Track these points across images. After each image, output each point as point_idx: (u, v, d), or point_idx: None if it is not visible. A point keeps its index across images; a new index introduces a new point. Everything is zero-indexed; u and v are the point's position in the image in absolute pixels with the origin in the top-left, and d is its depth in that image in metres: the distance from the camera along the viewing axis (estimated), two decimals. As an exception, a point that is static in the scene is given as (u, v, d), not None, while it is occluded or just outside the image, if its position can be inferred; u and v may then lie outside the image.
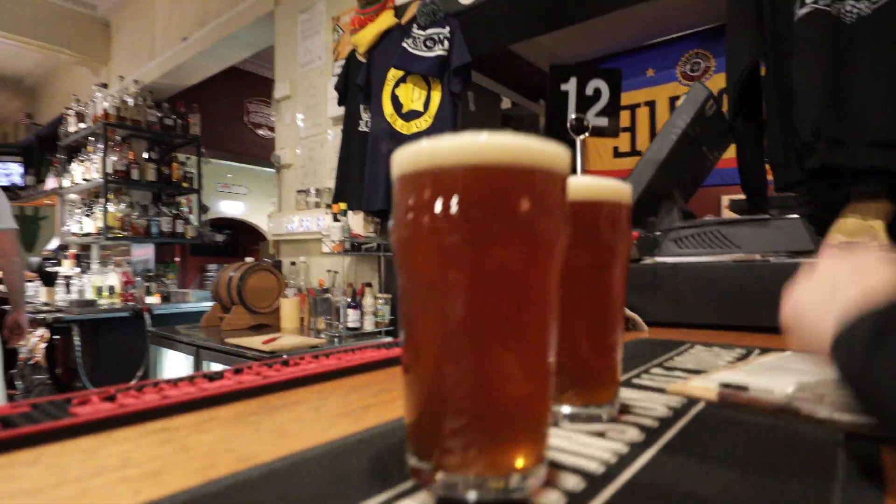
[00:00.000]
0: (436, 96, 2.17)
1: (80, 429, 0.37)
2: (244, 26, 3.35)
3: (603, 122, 0.87)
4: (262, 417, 0.42)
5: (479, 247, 0.26)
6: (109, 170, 4.00)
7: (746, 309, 0.95)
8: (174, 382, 0.50)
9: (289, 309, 2.41)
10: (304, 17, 2.86)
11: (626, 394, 0.49)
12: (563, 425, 0.39)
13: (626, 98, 4.05)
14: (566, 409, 0.40)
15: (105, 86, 4.34)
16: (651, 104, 3.90)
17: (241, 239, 7.70)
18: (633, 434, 0.37)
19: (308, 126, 2.83)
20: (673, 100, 3.76)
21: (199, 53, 3.83)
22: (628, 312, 1.03)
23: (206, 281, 6.44)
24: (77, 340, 3.04)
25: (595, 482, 0.29)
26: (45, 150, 5.45)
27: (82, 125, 4.33)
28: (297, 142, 2.88)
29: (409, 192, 0.28)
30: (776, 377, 0.47)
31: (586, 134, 0.83)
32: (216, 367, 1.98)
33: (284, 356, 0.66)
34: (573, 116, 0.82)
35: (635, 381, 0.54)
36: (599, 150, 4.25)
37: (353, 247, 2.19)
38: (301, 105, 2.88)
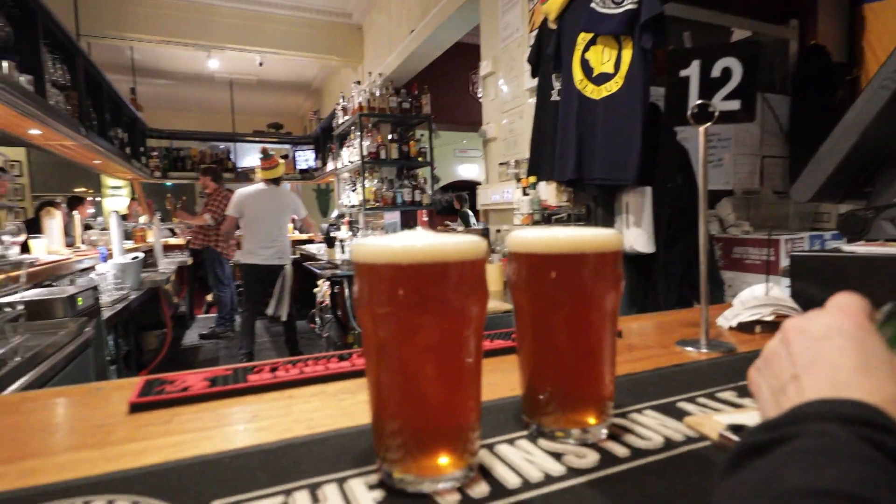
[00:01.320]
0: (626, 55, 2.02)
1: (247, 391, 0.61)
2: (456, 9, 3.62)
3: (734, 105, 0.74)
4: (347, 396, 0.60)
5: (402, 318, 0.37)
6: (365, 152, 4.91)
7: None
8: (327, 359, 0.73)
9: (493, 273, 2.66)
10: (502, -8, 2.94)
11: (646, 418, 0.51)
12: (540, 442, 0.46)
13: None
14: (542, 428, 0.47)
15: (359, 82, 5.25)
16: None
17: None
18: (590, 461, 0.42)
19: (509, 99, 2.96)
20: None
21: (424, 41, 4.30)
22: (793, 312, 0.89)
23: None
24: (346, 292, 3.93)
25: (499, 492, 0.38)
26: (326, 140, 6.93)
27: (346, 117, 5.36)
28: (501, 115, 3.04)
29: (357, 274, 0.40)
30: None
31: (710, 122, 0.74)
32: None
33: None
34: (696, 103, 0.75)
35: (681, 404, 0.54)
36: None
37: (544, 218, 2.27)
38: (503, 79, 3.02)
